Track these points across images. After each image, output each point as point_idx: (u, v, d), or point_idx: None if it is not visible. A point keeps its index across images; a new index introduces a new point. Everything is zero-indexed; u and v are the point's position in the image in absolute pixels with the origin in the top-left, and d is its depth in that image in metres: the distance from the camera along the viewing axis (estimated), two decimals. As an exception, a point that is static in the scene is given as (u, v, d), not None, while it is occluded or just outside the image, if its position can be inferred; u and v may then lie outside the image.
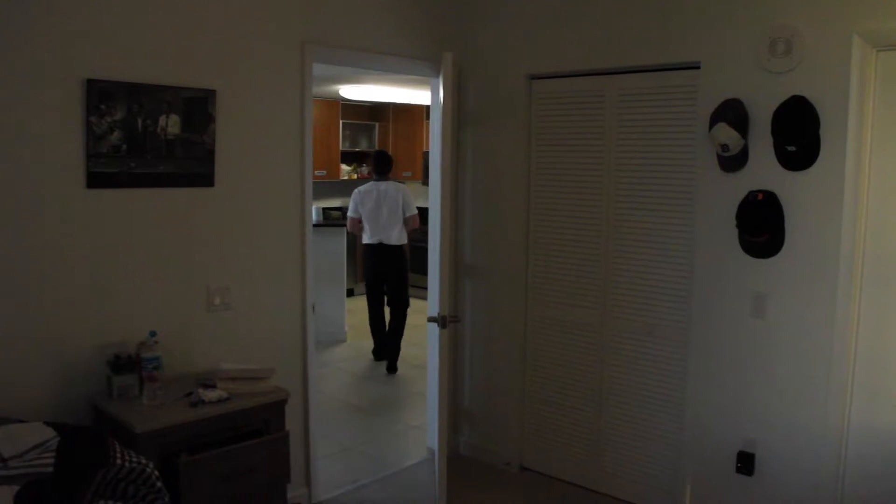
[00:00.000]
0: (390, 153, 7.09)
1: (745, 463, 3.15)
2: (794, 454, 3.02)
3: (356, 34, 3.61)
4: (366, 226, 5.90)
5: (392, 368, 5.98)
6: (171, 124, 2.92)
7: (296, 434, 3.30)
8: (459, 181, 4.17)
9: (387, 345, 6.06)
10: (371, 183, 5.96)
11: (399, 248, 5.88)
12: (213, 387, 2.80)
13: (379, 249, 5.87)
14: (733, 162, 3.06)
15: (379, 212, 5.81)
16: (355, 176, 9.29)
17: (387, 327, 6.15)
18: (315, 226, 3.98)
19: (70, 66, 2.64)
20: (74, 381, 2.74)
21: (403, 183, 6.28)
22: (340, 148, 9.09)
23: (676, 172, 3.34)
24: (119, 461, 2.18)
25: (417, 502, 3.71)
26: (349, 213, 6.01)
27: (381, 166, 5.96)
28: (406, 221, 5.84)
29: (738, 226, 3.05)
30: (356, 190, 6.00)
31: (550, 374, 3.91)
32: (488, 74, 4.00)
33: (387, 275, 5.97)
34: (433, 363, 4.14)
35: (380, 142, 9.61)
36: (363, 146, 9.45)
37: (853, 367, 2.88)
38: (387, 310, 6.18)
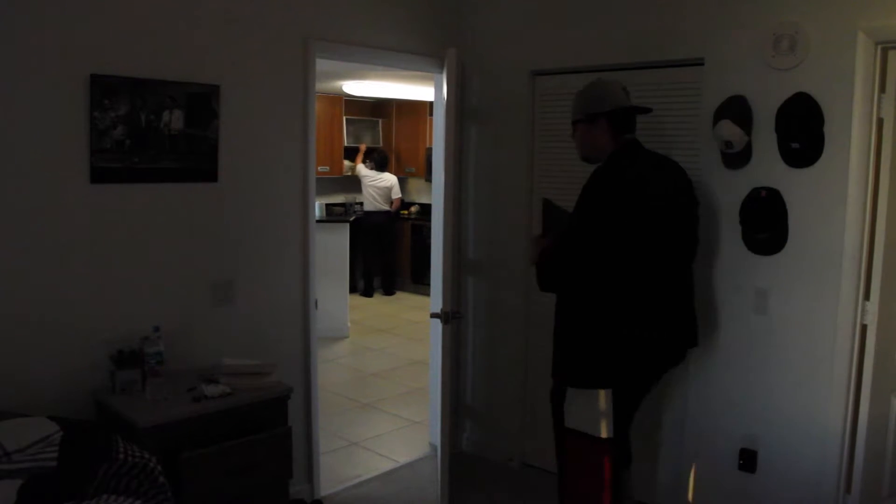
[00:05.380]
0: (389, 151, 9.64)
1: (748, 460, 3.14)
2: (797, 451, 3.02)
3: (360, 30, 3.61)
4: (368, 199, 8.68)
5: (390, 292, 9.19)
6: (175, 119, 2.92)
7: (298, 429, 3.31)
8: (462, 177, 4.16)
9: (384, 277, 9.14)
10: (375, 172, 8.72)
11: (388, 211, 8.79)
12: (216, 382, 2.81)
13: (377, 213, 8.73)
14: (737, 159, 3.06)
15: (379, 190, 8.67)
16: (358, 173, 9.31)
17: (383, 270, 9.12)
18: (318, 221, 4.00)
19: (74, 62, 2.64)
20: (77, 376, 2.74)
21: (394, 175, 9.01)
22: (344, 144, 9.09)
23: (680, 169, 3.33)
24: (122, 456, 2.19)
25: (419, 498, 3.72)
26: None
27: (382, 161, 8.78)
28: (392, 201, 8.76)
29: (742, 223, 3.04)
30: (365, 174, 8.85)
31: (553, 371, 3.90)
32: (492, 70, 3.99)
33: (381, 228, 8.81)
34: (435, 359, 4.14)
35: (383, 138, 9.59)
36: (366, 142, 9.45)
37: (860, 364, 2.87)
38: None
